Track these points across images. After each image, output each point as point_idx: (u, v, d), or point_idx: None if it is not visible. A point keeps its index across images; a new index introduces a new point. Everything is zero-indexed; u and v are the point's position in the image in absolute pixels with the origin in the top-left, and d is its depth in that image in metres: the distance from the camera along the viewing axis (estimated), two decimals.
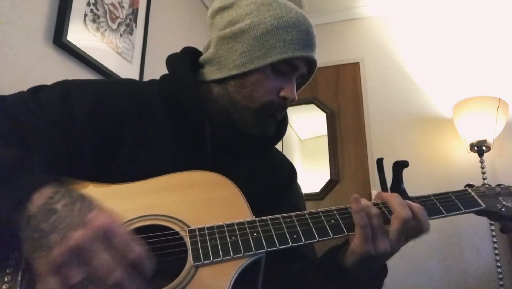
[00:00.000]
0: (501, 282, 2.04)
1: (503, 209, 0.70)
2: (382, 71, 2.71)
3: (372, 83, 2.71)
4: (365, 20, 2.85)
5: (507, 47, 2.46)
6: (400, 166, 0.68)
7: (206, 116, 0.72)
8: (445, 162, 2.41)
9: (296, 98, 0.74)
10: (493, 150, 2.21)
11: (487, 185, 0.75)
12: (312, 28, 0.76)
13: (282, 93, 0.72)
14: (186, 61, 0.76)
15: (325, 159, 2.66)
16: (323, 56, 2.85)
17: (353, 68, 2.79)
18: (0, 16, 1.12)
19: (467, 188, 0.74)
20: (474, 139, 2.17)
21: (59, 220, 0.45)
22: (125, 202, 0.59)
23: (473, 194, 0.72)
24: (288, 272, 0.74)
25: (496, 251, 2.09)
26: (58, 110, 0.63)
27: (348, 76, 2.80)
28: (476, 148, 2.17)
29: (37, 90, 0.66)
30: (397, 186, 0.68)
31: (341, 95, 2.78)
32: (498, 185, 0.76)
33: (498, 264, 2.07)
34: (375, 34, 2.79)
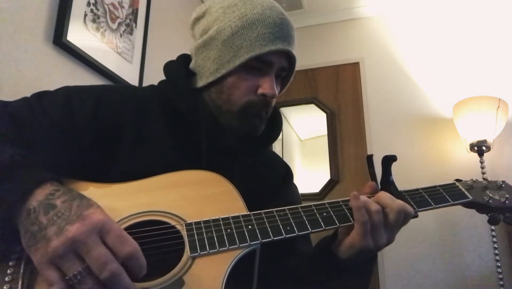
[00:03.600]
0: (501, 282, 2.04)
1: (490, 201, 0.72)
2: (382, 71, 2.71)
3: (372, 83, 2.71)
4: (365, 20, 2.85)
5: (507, 47, 2.46)
6: (388, 160, 0.70)
7: (201, 120, 0.74)
8: (445, 162, 2.41)
9: (276, 93, 0.74)
10: (493, 150, 2.21)
11: (474, 179, 0.78)
12: (283, 18, 0.74)
13: (260, 91, 0.72)
14: (182, 69, 0.79)
15: (325, 159, 2.66)
16: (323, 56, 2.85)
17: (353, 68, 2.79)
18: (0, 16, 1.12)
19: (455, 181, 0.76)
20: (474, 139, 2.17)
21: (58, 214, 0.47)
22: (123, 200, 0.61)
23: (460, 187, 0.74)
24: (285, 267, 0.76)
25: (496, 251, 2.09)
26: (59, 114, 0.66)
27: (348, 76, 2.79)
28: (476, 148, 2.17)
29: (40, 95, 0.69)
30: (387, 179, 0.70)
31: (341, 95, 2.78)
32: (485, 180, 0.79)
33: (498, 264, 2.07)
34: (375, 34, 2.79)
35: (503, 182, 0.77)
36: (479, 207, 0.74)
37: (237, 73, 0.72)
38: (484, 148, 2.15)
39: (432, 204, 0.69)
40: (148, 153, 0.70)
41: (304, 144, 3.16)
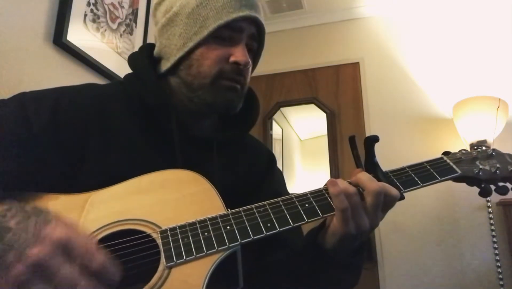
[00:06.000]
0: (501, 282, 2.04)
1: (480, 173, 0.69)
2: (382, 71, 2.71)
3: (372, 83, 2.71)
4: (365, 20, 2.85)
5: (507, 47, 2.46)
6: (371, 141, 0.67)
7: (172, 110, 0.71)
8: None
9: (249, 61, 0.71)
10: None
11: (463, 150, 0.73)
12: None
13: (232, 59, 0.69)
14: (144, 58, 0.76)
15: (325, 159, 2.67)
16: (323, 56, 2.85)
17: (353, 68, 2.79)
18: (0, 16, 1.12)
19: (442, 155, 0.72)
20: (474, 139, 2.17)
21: (14, 238, 0.43)
22: (96, 210, 0.58)
23: (448, 161, 0.70)
24: (272, 261, 0.73)
25: (496, 251, 2.09)
26: (15, 125, 0.61)
27: (348, 76, 2.80)
28: (476, 148, 2.17)
29: None
30: (371, 161, 0.67)
31: (341, 95, 2.78)
32: (475, 149, 0.75)
33: (498, 264, 2.07)
34: (375, 34, 2.79)
35: (494, 150, 0.73)
36: (469, 180, 0.70)
37: (205, 44, 0.69)
38: (484, 148, 2.15)
39: (419, 182, 0.65)
40: (117, 155, 0.66)
41: (304, 144, 3.17)
